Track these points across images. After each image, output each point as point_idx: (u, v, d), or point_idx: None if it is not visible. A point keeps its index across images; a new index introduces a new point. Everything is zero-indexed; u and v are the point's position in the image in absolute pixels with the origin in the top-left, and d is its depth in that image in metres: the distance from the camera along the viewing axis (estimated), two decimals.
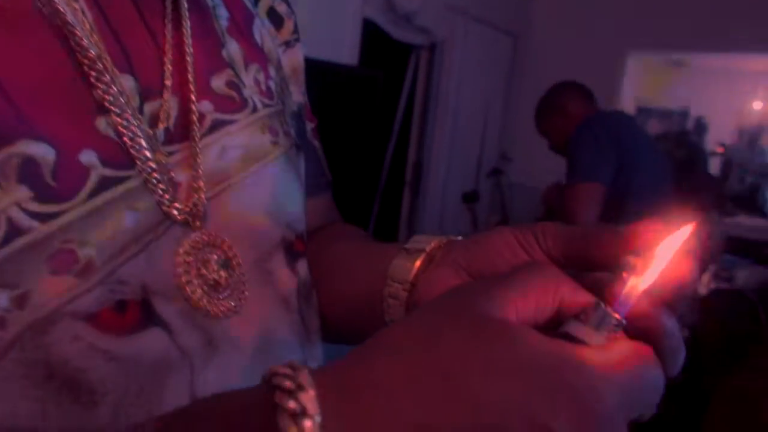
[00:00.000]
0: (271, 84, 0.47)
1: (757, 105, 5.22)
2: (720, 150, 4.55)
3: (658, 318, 0.28)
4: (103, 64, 0.33)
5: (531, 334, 0.25)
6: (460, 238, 0.38)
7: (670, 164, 2.09)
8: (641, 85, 4.51)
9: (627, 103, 3.87)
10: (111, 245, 0.32)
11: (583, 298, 0.28)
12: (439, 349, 0.24)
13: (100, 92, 0.33)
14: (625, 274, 0.28)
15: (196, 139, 0.38)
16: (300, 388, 0.23)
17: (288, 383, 0.23)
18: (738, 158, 4.44)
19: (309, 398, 0.22)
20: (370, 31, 2.60)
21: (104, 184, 0.32)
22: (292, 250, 0.44)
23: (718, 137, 4.93)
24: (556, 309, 0.28)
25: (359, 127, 2.36)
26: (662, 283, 0.28)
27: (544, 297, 0.27)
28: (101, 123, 0.33)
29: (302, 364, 0.24)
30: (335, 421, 0.22)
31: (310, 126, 0.55)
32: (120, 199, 0.33)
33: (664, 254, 0.28)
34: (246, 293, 0.39)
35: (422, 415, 0.22)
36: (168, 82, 0.38)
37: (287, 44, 0.53)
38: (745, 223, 3.62)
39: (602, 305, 0.27)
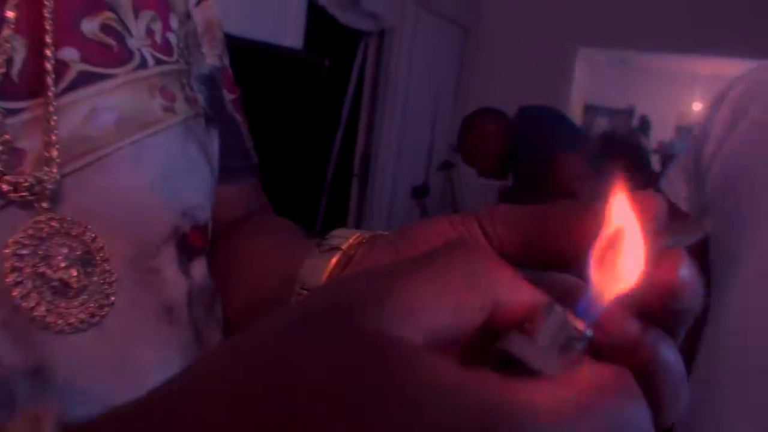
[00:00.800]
0: (171, 37, 0.37)
1: (696, 106, 5.37)
2: (655, 146, 4.68)
3: (647, 334, 0.19)
4: None
5: (440, 364, 0.15)
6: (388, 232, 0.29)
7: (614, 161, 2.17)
8: (588, 83, 4.56)
9: (576, 100, 3.90)
10: None
11: (529, 296, 0.19)
12: (276, 402, 0.14)
13: None
14: (593, 265, 0.19)
15: (51, 94, 0.29)
16: None
17: None
18: (677, 152, 4.56)
19: None
20: (317, 15, 2.50)
21: None
22: (186, 246, 0.34)
23: (659, 136, 5.06)
24: (488, 313, 0.18)
25: (304, 116, 2.26)
26: (647, 286, 0.19)
27: (467, 295, 0.18)
28: None
29: (49, 415, 0.15)
30: None
31: (230, 97, 0.45)
32: None
33: (647, 242, 0.19)
34: (112, 299, 0.29)
35: None
36: (11, 14, 0.29)
37: None
38: None
39: (558, 309, 0.18)
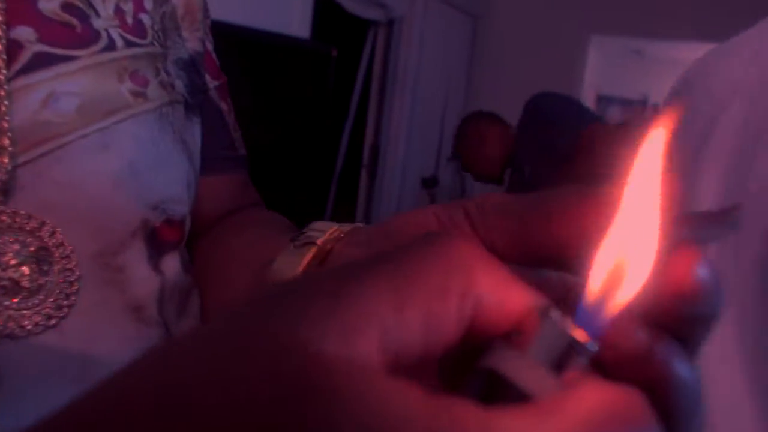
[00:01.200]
0: (145, 18, 0.35)
1: None
2: None
3: (659, 346, 0.16)
4: None
5: (400, 392, 0.12)
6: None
7: None
8: (601, 73, 4.49)
9: (588, 90, 3.84)
10: None
11: (521, 299, 0.15)
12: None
13: None
14: (598, 262, 0.16)
15: (2, 77, 0.27)
16: None
17: None
18: None
19: None
20: (324, 4, 2.47)
21: None
22: (156, 241, 0.32)
23: None
24: (469, 322, 0.15)
25: (312, 107, 2.24)
26: (658, 287, 0.16)
27: (441, 302, 0.15)
28: None
29: None
30: None
31: (214, 83, 0.43)
32: None
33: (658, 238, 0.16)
34: (73, 299, 0.27)
35: None
36: None
37: None
38: None
39: (555, 315, 0.15)
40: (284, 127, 2.04)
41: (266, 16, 2.06)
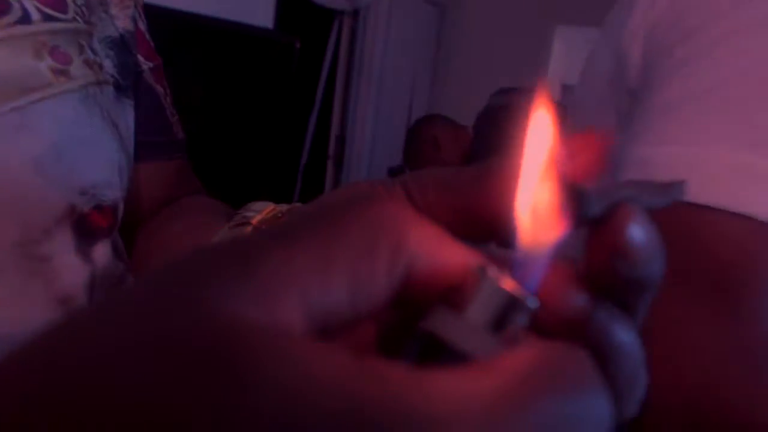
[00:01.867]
0: None
1: None
2: None
3: (598, 309, 0.15)
4: None
5: (324, 356, 0.11)
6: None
7: None
8: (565, 62, 4.54)
9: (553, 79, 3.87)
10: None
11: (456, 257, 0.15)
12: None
13: None
14: (519, 215, 0.15)
15: None
16: None
17: None
18: None
19: None
20: None
21: None
22: (85, 228, 0.31)
23: None
24: (400, 283, 0.14)
25: (276, 98, 2.21)
26: (593, 244, 0.15)
27: (367, 261, 0.14)
28: None
29: None
30: None
31: (147, 65, 0.41)
32: None
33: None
34: None
35: None
36: None
37: None
38: None
39: (492, 272, 0.14)
40: (248, 120, 2.01)
41: (229, 5, 2.03)
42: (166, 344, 0.11)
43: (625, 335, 0.15)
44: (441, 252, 0.15)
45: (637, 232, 0.15)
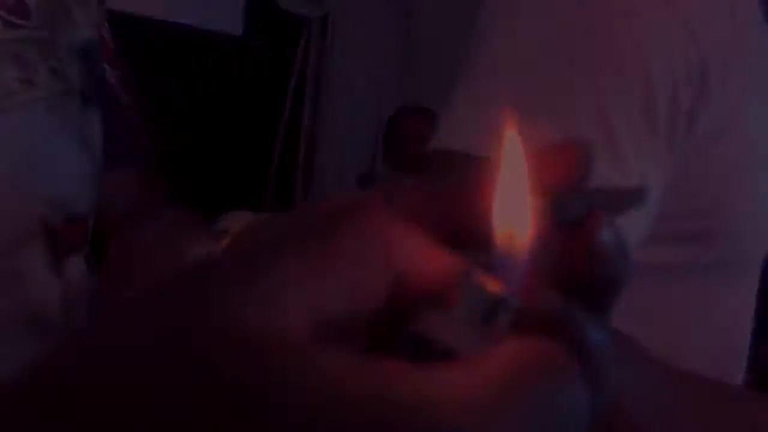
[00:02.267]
0: (29, 0, 0.32)
1: None
2: None
3: (571, 309, 0.16)
4: None
5: (335, 357, 0.13)
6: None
7: None
8: None
9: None
10: None
11: (442, 263, 0.16)
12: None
13: None
14: (503, 218, 0.16)
15: None
16: None
17: None
18: None
19: None
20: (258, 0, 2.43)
21: None
22: (58, 242, 0.30)
23: None
24: (393, 289, 0.15)
25: (246, 104, 2.20)
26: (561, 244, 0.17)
27: (362, 270, 0.15)
28: None
29: None
30: None
31: (113, 74, 0.41)
32: None
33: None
34: None
35: None
36: None
37: None
38: None
39: (476, 274, 0.15)
40: (218, 127, 2.00)
41: (198, 12, 2.01)
42: (192, 358, 0.12)
43: (597, 332, 0.16)
44: (428, 258, 0.16)
45: (609, 235, 0.16)
